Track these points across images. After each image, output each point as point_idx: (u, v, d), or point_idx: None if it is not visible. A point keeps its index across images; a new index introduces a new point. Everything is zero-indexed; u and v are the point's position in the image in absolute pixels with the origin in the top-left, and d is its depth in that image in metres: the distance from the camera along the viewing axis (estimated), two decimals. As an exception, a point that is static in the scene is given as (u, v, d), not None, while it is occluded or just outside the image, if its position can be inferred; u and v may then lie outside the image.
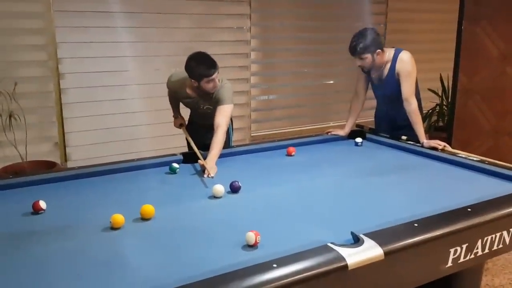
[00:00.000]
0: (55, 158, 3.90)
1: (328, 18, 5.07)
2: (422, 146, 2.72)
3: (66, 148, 3.97)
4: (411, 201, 1.95)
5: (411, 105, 2.80)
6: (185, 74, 2.71)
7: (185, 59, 2.68)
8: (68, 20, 3.77)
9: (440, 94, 5.42)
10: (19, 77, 3.62)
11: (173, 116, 3.14)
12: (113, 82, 4.05)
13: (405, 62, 2.81)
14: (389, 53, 2.86)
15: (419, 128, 2.79)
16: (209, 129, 2.64)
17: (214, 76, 2.62)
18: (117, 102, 4.10)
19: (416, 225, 1.60)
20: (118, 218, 1.69)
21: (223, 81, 2.76)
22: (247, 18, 4.55)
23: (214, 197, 2.00)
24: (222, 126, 2.57)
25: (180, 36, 4.25)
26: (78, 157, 3.99)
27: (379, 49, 2.79)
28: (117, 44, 4.00)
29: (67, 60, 3.85)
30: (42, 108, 3.85)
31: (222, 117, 2.61)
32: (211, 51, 4.27)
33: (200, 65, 2.62)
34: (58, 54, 3.79)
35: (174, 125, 3.14)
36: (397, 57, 2.84)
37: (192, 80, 2.66)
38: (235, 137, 4.63)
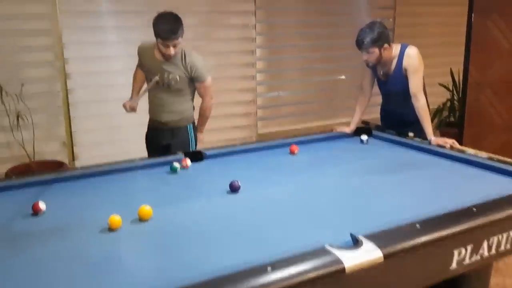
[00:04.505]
0: (63, 157, 3.92)
1: (333, 13, 5.01)
2: (430, 143, 2.66)
3: (74, 147, 3.99)
4: (415, 201, 1.90)
5: (419, 101, 2.74)
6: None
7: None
8: (74, 21, 3.79)
9: (451, 89, 5.32)
10: (26, 77, 3.65)
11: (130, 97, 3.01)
12: (119, 81, 4.04)
13: (412, 57, 2.76)
14: (395, 48, 2.81)
15: (427, 125, 2.73)
16: (168, 131, 2.80)
17: (169, 42, 2.52)
18: (124, 101, 4.10)
19: (418, 226, 1.55)
20: (115, 219, 1.68)
21: (185, 49, 2.67)
22: (252, 15, 4.51)
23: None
24: (207, 101, 2.92)
25: (186, 34, 4.18)
26: (86, 156, 4.01)
27: (387, 43, 2.73)
28: (123, 43, 4.00)
29: (74, 60, 3.86)
30: (49, 108, 3.87)
31: (207, 95, 2.90)
32: (216, 48, 4.32)
33: (160, 24, 2.50)
34: (65, 54, 3.80)
35: (124, 105, 2.97)
36: (403, 53, 2.78)
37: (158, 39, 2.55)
38: (242, 135, 4.62)
